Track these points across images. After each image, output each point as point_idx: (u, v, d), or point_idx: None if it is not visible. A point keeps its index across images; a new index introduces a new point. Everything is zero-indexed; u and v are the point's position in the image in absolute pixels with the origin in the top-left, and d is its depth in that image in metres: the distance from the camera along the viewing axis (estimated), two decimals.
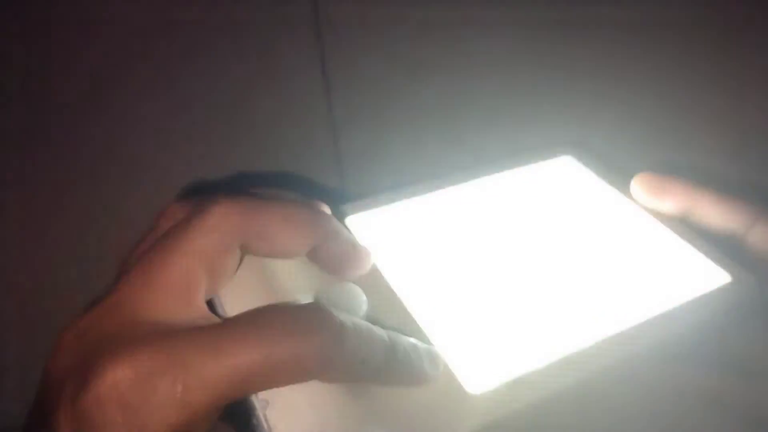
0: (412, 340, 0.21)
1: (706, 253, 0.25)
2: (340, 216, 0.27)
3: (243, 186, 0.32)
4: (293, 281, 0.24)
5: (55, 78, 0.31)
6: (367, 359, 0.19)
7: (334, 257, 0.23)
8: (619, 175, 0.29)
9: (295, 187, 0.33)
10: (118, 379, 0.17)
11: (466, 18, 0.32)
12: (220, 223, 0.21)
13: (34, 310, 0.32)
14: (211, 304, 0.22)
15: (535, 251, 0.26)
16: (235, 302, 0.22)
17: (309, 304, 0.20)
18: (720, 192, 0.26)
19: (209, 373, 0.17)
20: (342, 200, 0.31)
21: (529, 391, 0.20)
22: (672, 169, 0.28)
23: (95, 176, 0.32)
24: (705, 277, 0.24)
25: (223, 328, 0.19)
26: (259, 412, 0.20)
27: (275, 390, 0.19)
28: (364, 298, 0.23)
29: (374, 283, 0.24)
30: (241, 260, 0.22)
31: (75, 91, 0.31)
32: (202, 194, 0.23)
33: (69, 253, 0.32)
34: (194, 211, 0.21)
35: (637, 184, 0.28)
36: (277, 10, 0.32)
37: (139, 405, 0.17)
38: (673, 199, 0.27)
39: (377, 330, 0.20)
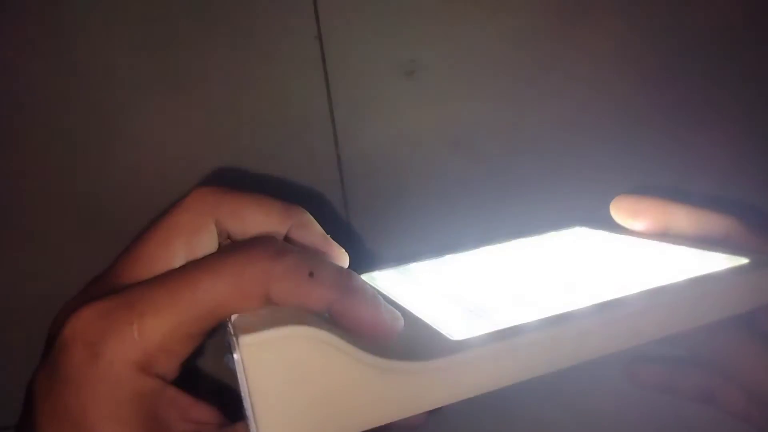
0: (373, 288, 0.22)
1: (722, 250, 0.26)
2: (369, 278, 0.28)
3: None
4: None
5: (57, 79, 0.31)
6: (316, 274, 0.20)
7: (306, 247, 0.24)
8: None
9: (295, 189, 0.33)
10: (82, 321, 0.20)
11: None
12: (196, 202, 0.23)
13: (35, 309, 0.32)
14: None
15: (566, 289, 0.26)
16: None
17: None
18: (693, 206, 0.27)
19: (161, 306, 0.19)
20: (342, 203, 0.31)
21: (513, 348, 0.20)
22: (650, 190, 0.29)
23: (96, 178, 0.32)
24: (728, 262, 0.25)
25: (175, 270, 0.21)
26: (229, 326, 0.20)
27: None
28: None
29: None
30: (222, 239, 0.24)
31: (77, 93, 0.31)
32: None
33: (69, 253, 0.32)
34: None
35: (614, 208, 0.29)
36: (278, 14, 0.32)
37: (100, 341, 0.19)
38: (649, 218, 0.28)
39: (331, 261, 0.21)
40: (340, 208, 0.32)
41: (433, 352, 0.20)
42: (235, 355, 0.19)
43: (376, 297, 0.21)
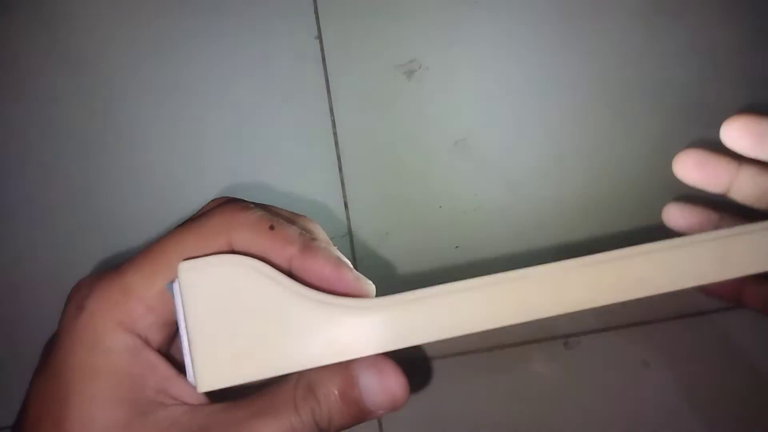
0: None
1: None
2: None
3: (242, 189, 0.32)
4: None
5: (60, 80, 0.31)
6: (277, 228, 0.21)
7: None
8: None
9: (295, 189, 0.33)
10: (78, 286, 0.21)
11: None
12: (210, 205, 0.24)
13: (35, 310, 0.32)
14: None
15: None
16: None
17: None
18: None
19: (138, 262, 0.21)
20: (342, 203, 0.31)
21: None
22: None
23: (96, 181, 0.32)
24: None
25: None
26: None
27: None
28: None
29: None
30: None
31: (79, 96, 0.31)
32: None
33: (69, 256, 0.32)
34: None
35: (735, 127, 0.24)
36: (278, 14, 0.32)
37: (86, 297, 0.21)
38: None
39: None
40: (340, 208, 0.32)
41: (377, 297, 0.20)
42: (175, 284, 0.19)
43: (341, 258, 0.21)
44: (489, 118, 0.33)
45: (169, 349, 0.22)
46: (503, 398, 0.31)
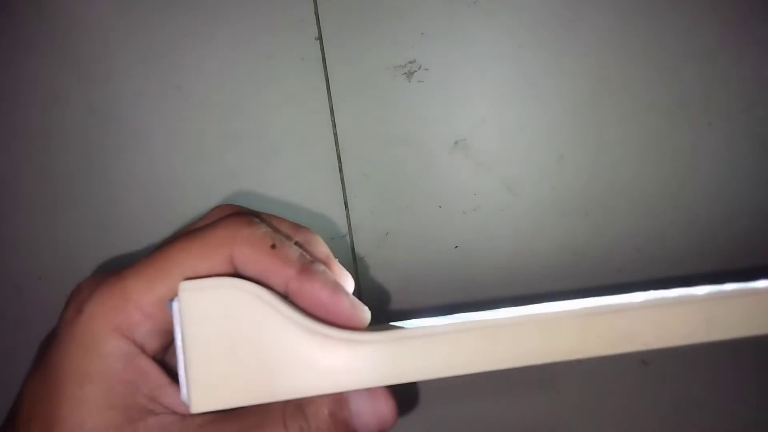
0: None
1: None
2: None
3: (242, 190, 0.32)
4: None
5: (60, 80, 0.31)
6: (278, 247, 0.21)
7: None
8: None
9: (295, 189, 0.33)
10: (78, 288, 0.22)
11: None
12: (216, 213, 0.24)
13: (36, 310, 0.32)
14: None
15: None
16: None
17: None
18: None
19: (139, 268, 0.21)
20: (342, 203, 0.31)
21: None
22: None
23: (96, 182, 0.32)
24: None
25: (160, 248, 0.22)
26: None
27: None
28: None
29: None
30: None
31: (79, 96, 0.31)
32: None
33: (69, 256, 0.32)
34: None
35: None
36: (278, 14, 0.32)
37: (86, 300, 0.21)
38: None
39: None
40: (340, 208, 0.32)
41: (373, 330, 0.20)
42: (174, 303, 0.19)
43: (338, 285, 0.21)
44: (489, 118, 0.33)
45: (164, 356, 0.22)
46: (499, 397, 0.31)
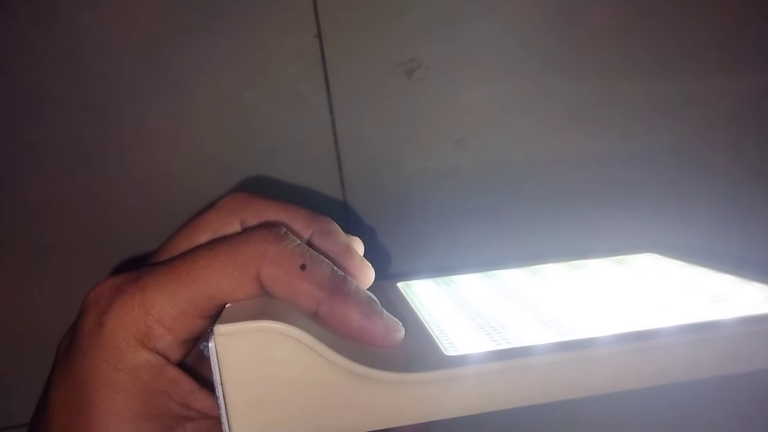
0: (374, 297, 0.22)
1: None
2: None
3: (242, 189, 0.32)
4: None
5: (60, 80, 0.31)
6: (308, 268, 0.21)
7: (326, 255, 0.23)
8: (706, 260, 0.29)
9: (295, 188, 0.33)
10: (96, 293, 0.21)
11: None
12: (226, 203, 0.24)
13: (36, 313, 0.32)
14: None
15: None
16: None
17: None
18: None
19: (161, 279, 0.20)
20: (342, 203, 0.31)
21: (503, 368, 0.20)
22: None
23: (97, 181, 0.32)
24: None
25: (184, 252, 0.22)
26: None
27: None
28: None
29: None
30: None
31: (79, 96, 0.31)
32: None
33: (70, 255, 0.32)
34: None
35: None
36: (278, 14, 0.32)
37: (107, 311, 0.20)
38: None
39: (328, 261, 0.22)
40: (340, 209, 0.32)
41: (419, 365, 0.20)
42: (210, 344, 0.19)
43: (371, 305, 0.21)
44: (489, 117, 0.33)
45: (186, 360, 0.22)
46: None
